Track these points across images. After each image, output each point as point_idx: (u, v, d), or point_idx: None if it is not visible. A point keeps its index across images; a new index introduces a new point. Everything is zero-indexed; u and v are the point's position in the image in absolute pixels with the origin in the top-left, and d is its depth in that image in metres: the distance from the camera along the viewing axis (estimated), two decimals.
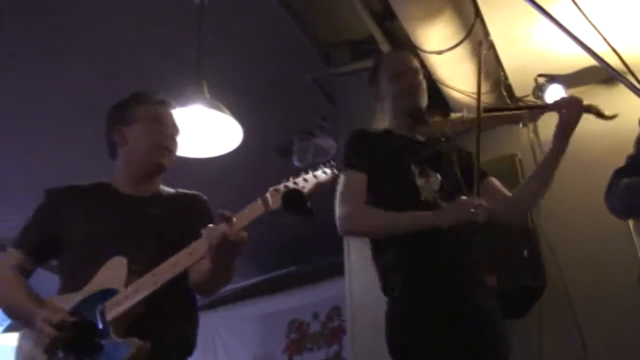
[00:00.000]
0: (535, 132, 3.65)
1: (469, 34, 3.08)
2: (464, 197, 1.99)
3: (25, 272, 1.89)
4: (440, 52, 3.15)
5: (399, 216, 2.05)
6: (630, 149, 2.25)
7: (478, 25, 3.16)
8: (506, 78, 3.70)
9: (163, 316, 1.75)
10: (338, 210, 2.09)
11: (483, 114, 2.15)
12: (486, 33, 3.29)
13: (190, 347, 1.90)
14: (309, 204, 1.48)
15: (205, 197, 2.06)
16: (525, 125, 2.22)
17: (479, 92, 2.27)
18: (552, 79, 3.61)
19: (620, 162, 2.24)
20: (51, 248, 1.91)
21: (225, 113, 3.01)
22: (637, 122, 2.21)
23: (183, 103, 2.84)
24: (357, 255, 3.30)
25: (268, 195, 1.54)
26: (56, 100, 4.03)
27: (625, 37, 3.13)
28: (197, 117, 2.96)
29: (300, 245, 5.58)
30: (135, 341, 1.63)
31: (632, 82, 1.34)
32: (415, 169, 2.13)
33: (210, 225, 1.63)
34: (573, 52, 3.33)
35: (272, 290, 6.17)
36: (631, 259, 3.22)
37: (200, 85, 3.01)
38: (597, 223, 3.44)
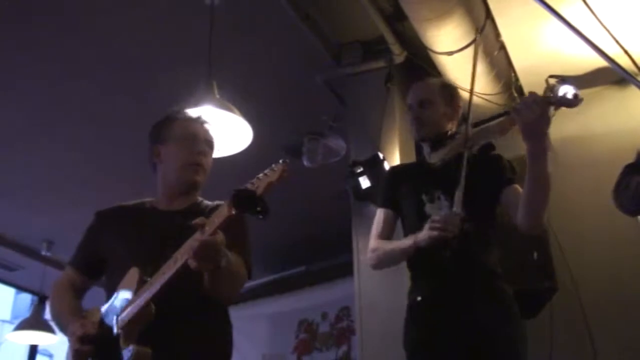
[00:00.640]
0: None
1: (479, 35, 3.07)
2: (436, 216, 2.11)
3: (76, 287, 2.07)
4: (450, 53, 3.14)
5: (392, 245, 2.30)
6: None
7: (489, 26, 3.15)
8: (517, 79, 3.68)
9: (176, 323, 1.80)
10: None
11: (473, 130, 2.24)
12: (497, 34, 3.28)
13: (221, 354, 1.95)
14: (262, 204, 1.52)
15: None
16: (502, 135, 2.18)
17: (470, 107, 2.30)
18: (563, 80, 3.55)
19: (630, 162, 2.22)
20: (99, 266, 2.06)
21: (235, 114, 3.02)
22: None
23: (194, 103, 2.85)
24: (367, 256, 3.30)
25: (231, 199, 1.58)
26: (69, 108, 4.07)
27: (637, 39, 3.11)
28: (207, 117, 2.96)
29: (309, 246, 5.59)
30: (133, 347, 1.71)
31: None
32: (425, 197, 2.25)
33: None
34: (584, 53, 3.31)
35: (282, 290, 6.17)
36: None
37: (211, 86, 3.02)
38: (608, 224, 3.42)
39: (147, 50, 3.71)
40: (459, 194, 2.07)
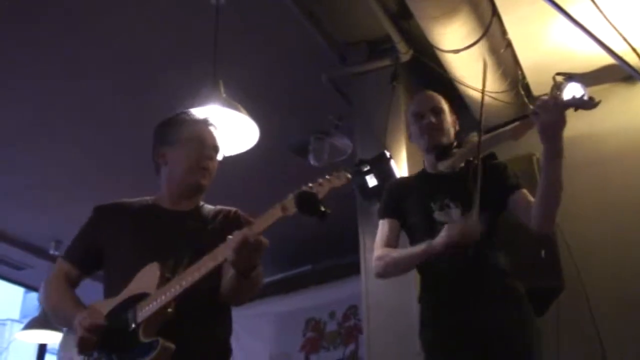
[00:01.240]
0: None
1: (485, 32, 3.06)
2: (450, 224, 2.13)
3: (71, 281, 2.05)
4: (456, 51, 3.13)
5: (404, 254, 2.29)
6: None
7: (495, 23, 3.14)
8: (524, 77, 3.67)
9: (194, 321, 1.83)
10: None
11: (484, 136, 2.23)
12: (503, 32, 3.26)
13: (225, 353, 1.98)
14: (322, 207, 1.56)
15: (240, 212, 2.11)
16: (515, 139, 2.21)
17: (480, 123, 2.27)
18: (570, 77, 3.57)
19: (638, 160, 2.21)
20: (96, 260, 2.05)
21: (242, 112, 3.02)
22: None
23: (200, 103, 2.86)
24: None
25: (287, 200, 1.61)
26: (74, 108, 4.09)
27: None
28: (213, 116, 2.97)
29: (317, 244, 5.59)
30: (160, 340, 1.71)
31: None
32: (434, 206, 2.27)
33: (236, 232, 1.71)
34: (591, 50, 3.30)
35: (289, 289, 6.17)
36: None
37: (217, 85, 3.03)
38: (616, 222, 3.41)
39: (151, 50, 3.72)
40: (476, 202, 2.09)
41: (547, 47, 3.40)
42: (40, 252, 5.81)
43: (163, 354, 1.70)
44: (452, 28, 2.96)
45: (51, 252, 5.62)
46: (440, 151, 2.33)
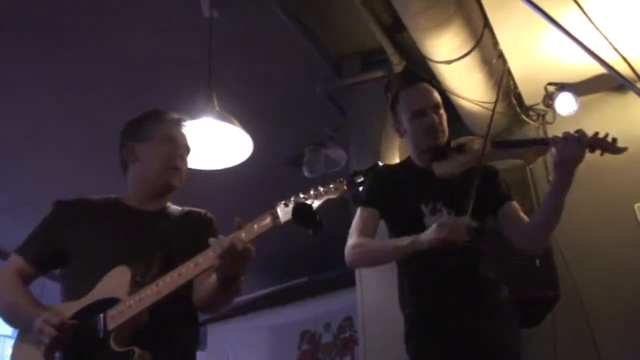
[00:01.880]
0: None
1: (477, 43, 3.08)
2: (442, 220, 2.02)
3: (25, 278, 1.88)
4: (449, 62, 3.15)
5: (385, 246, 2.17)
6: None
7: (487, 34, 3.17)
8: (516, 87, 3.70)
9: (166, 330, 1.74)
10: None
11: (493, 150, 2.18)
12: (495, 42, 3.29)
13: None
14: (318, 218, 1.49)
15: (211, 215, 2.06)
16: (528, 164, 2.19)
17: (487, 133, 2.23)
18: (562, 87, 3.60)
19: (634, 170, 2.22)
20: (54, 258, 1.91)
21: (236, 125, 3.03)
22: None
23: (194, 115, 2.86)
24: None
25: (277, 209, 1.53)
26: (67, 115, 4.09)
27: (635, 45, 3.12)
28: (207, 129, 2.98)
29: (312, 256, 5.58)
30: (137, 350, 1.61)
31: None
32: (425, 209, 2.17)
33: (221, 236, 1.63)
34: (583, 61, 3.32)
35: (284, 301, 6.16)
36: None
37: (211, 98, 3.03)
38: (611, 232, 3.42)
39: (144, 64, 3.73)
40: (470, 207, 2.01)
41: (539, 58, 3.43)
42: None
43: None
44: (445, 39, 2.98)
45: None
46: (438, 151, 2.23)
